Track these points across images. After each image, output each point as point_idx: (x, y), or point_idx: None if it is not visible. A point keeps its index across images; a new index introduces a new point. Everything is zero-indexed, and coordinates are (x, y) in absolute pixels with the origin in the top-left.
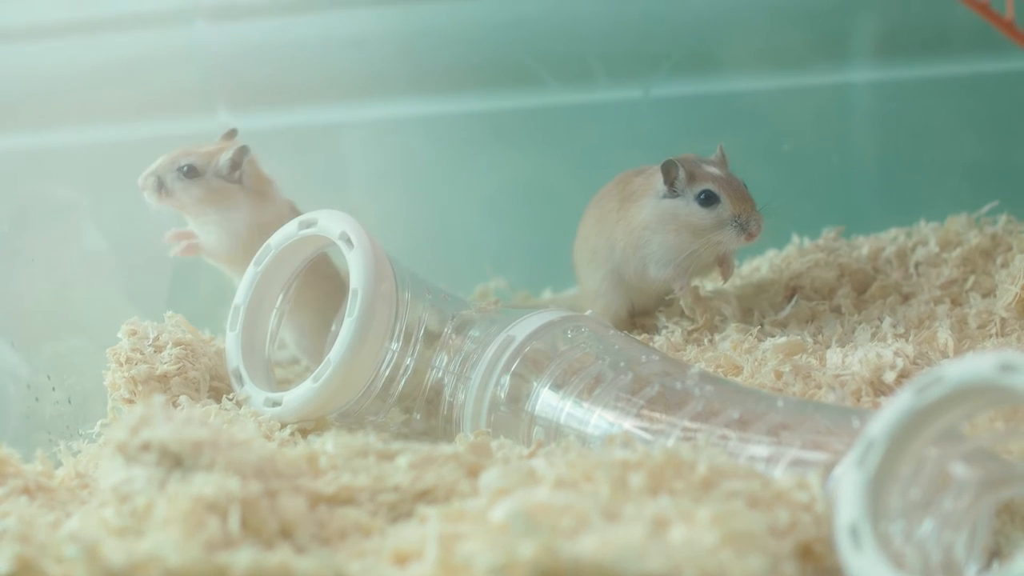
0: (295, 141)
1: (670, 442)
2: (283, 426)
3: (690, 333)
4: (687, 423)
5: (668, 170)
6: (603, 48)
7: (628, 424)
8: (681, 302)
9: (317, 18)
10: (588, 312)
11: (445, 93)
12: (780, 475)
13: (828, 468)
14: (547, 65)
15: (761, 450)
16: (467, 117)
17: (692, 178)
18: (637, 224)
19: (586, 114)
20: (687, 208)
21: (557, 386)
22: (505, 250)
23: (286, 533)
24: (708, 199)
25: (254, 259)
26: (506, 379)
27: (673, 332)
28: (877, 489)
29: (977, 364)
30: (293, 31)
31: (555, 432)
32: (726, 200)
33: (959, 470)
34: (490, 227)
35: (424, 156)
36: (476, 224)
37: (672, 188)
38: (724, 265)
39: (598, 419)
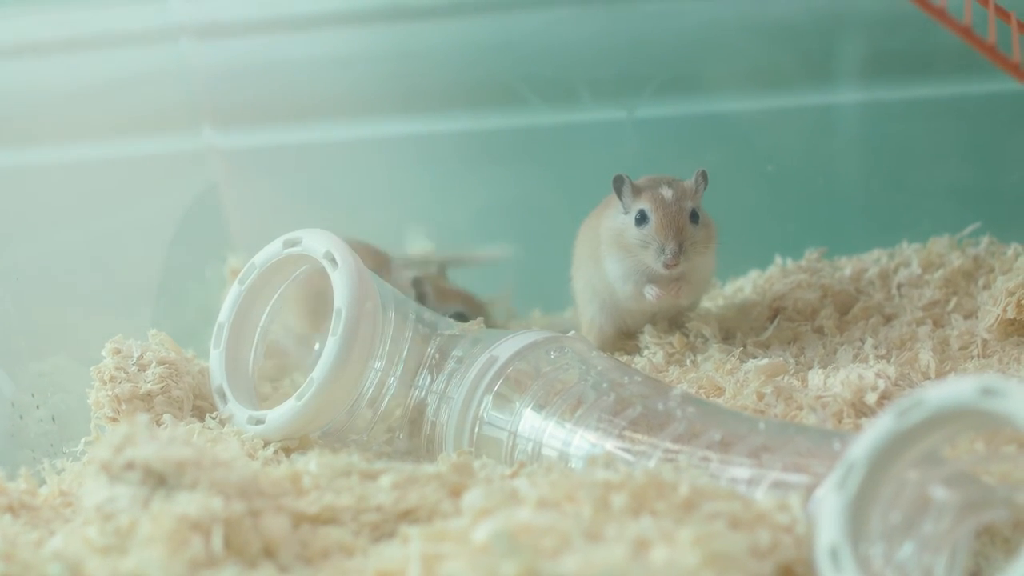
0: (281, 160)
1: (651, 463)
2: (266, 445)
3: (671, 355)
4: (669, 444)
5: (616, 184)
6: (589, 69)
7: (610, 445)
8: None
9: (303, 37)
10: (571, 333)
11: (431, 113)
12: (761, 497)
13: (809, 490)
14: (533, 86)
15: (742, 472)
16: (453, 137)
17: (637, 195)
18: (600, 234)
19: (571, 134)
20: (628, 224)
21: (540, 406)
22: (491, 269)
23: (269, 552)
24: (641, 219)
25: (238, 277)
26: (489, 399)
27: (655, 353)
28: (857, 512)
29: (958, 388)
30: (279, 50)
31: (537, 452)
32: (654, 222)
33: (939, 493)
34: (474, 247)
35: (410, 175)
36: (460, 244)
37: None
38: (674, 284)
39: (580, 440)
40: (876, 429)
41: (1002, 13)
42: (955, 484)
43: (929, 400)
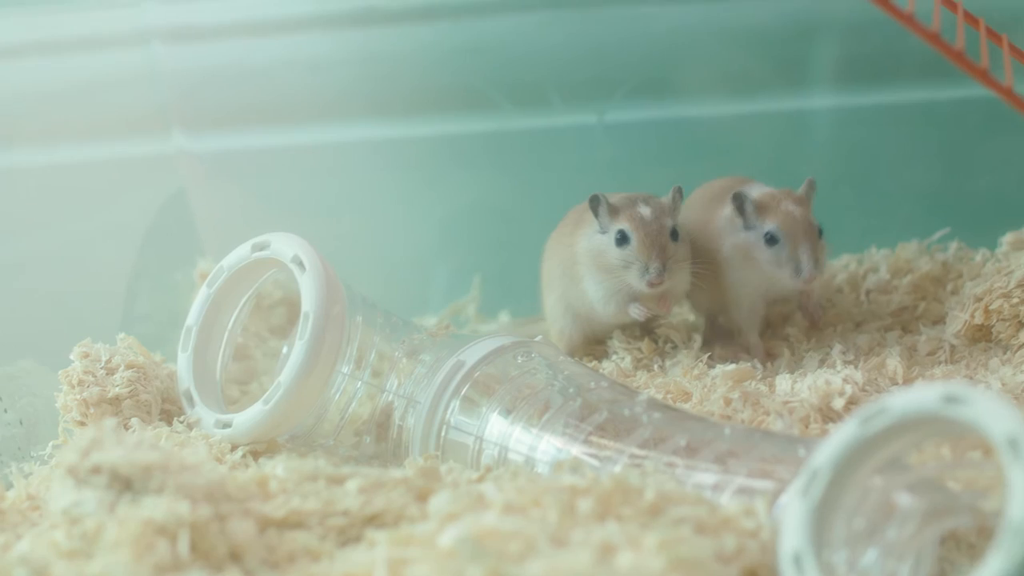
0: (251, 163)
1: (617, 468)
2: (234, 449)
3: (639, 360)
4: (635, 450)
5: (592, 203)
6: (559, 73)
7: (576, 450)
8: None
9: (275, 41)
10: (538, 338)
11: (401, 117)
12: (726, 502)
13: (774, 496)
14: (504, 90)
15: (708, 478)
16: (423, 141)
17: (615, 215)
18: (577, 254)
19: (542, 139)
20: (607, 244)
21: (507, 411)
22: (461, 273)
23: (235, 557)
24: (622, 239)
25: (207, 280)
26: (456, 403)
27: (624, 358)
28: (821, 518)
29: (921, 395)
30: (250, 54)
31: (503, 457)
32: (636, 242)
33: (903, 500)
34: (446, 250)
35: (380, 179)
36: (431, 248)
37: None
38: (662, 300)
39: (547, 445)
40: (840, 436)
41: (970, 19)
42: (919, 491)
43: (893, 407)
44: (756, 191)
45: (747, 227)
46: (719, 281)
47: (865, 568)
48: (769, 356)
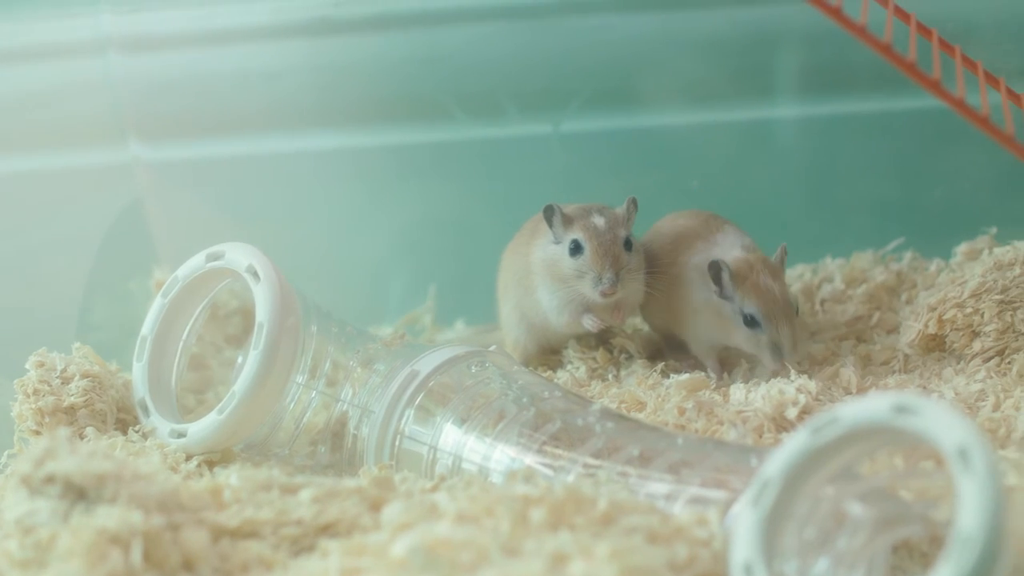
0: (207, 173)
1: (571, 478)
2: (189, 458)
3: (594, 370)
4: (588, 459)
5: (547, 214)
6: (515, 83)
7: (530, 459)
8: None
9: (229, 51)
10: (492, 347)
11: (356, 127)
12: (679, 512)
13: (727, 505)
14: (459, 100)
15: (660, 487)
16: (379, 151)
17: (569, 225)
18: (532, 264)
19: (496, 149)
20: (561, 254)
21: (461, 420)
22: (417, 283)
23: (188, 566)
24: (575, 249)
25: (162, 290)
26: (410, 412)
27: (578, 368)
28: (772, 528)
29: (872, 405)
30: (206, 63)
31: (457, 466)
32: (589, 252)
33: (854, 509)
34: (401, 260)
35: (336, 189)
36: (387, 257)
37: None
38: (616, 310)
39: (500, 454)
40: (791, 446)
41: (923, 30)
42: (870, 500)
43: (843, 417)
44: (724, 248)
45: (723, 296)
46: (678, 307)
47: None
48: (724, 366)
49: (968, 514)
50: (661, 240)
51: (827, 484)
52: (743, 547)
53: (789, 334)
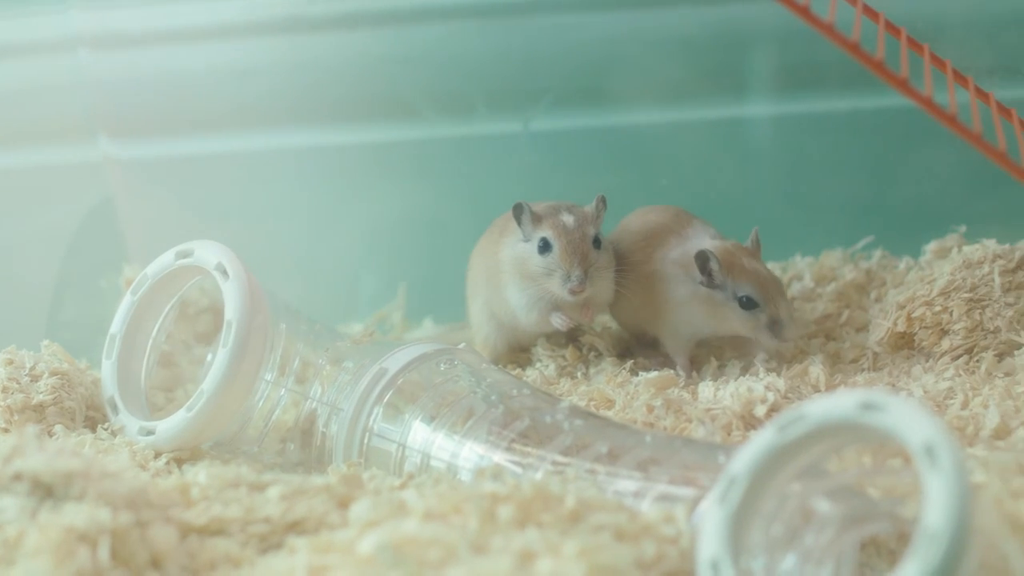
0: (178, 171)
1: (539, 475)
2: (158, 456)
3: (563, 368)
4: (556, 457)
5: (516, 212)
6: (484, 82)
7: (498, 457)
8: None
9: (201, 48)
10: (462, 345)
11: (327, 125)
12: (647, 509)
13: (694, 503)
14: (428, 98)
15: (629, 484)
16: (349, 149)
17: (538, 223)
18: (501, 262)
19: (466, 147)
20: (530, 252)
21: (430, 418)
22: (386, 281)
23: (156, 564)
24: (544, 247)
25: (131, 288)
26: (379, 410)
27: (547, 366)
28: (738, 525)
29: (838, 403)
30: (177, 61)
31: (426, 464)
32: (558, 250)
33: (821, 506)
34: (371, 258)
35: (307, 187)
36: (357, 255)
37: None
38: (584, 308)
39: (469, 451)
40: (757, 443)
41: (892, 29)
42: (838, 497)
43: (810, 414)
44: (698, 240)
45: (712, 285)
46: (656, 304)
47: (783, 574)
48: (693, 364)
49: (934, 510)
50: (632, 237)
51: (794, 481)
52: (710, 544)
53: (787, 309)
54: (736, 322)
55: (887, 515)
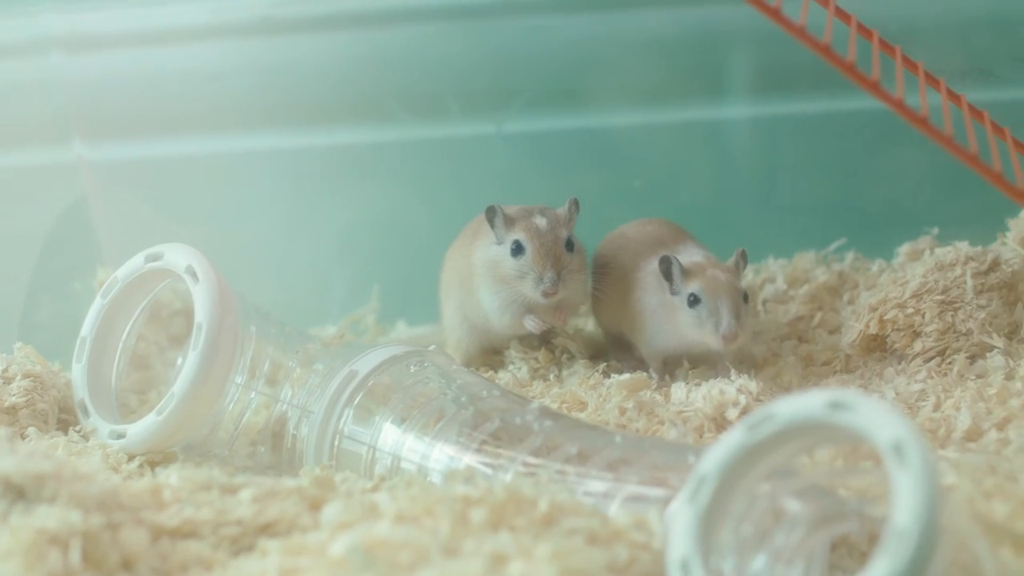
0: (151, 173)
1: (509, 476)
2: (131, 458)
3: (536, 370)
4: (527, 458)
5: (489, 215)
6: (457, 83)
7: (468, 458)
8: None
9: (174, 50)
10: (431, 347)
11: (300, 127)
12: (616, 510)
13: (664, 503)
14: (401, 100)
15: (598, 485)
16: (322, 151)
17: (511, 225)
18: (474, 264)
19: (440, 149)
20: (503, 255)
21: (400, 420)
22: (360, 283)
23: (128, 566)
24: (517, 249)
25: (101, 291)
26: (349, 412)
27: (520, 368)
28: (708, 524)
29: (808, 402)
30: (150, 62)
31: (396, 466)
32: (530, 253)
33: (791, 506)
34: (344, 260)
35: (280, 189)
36: (330, 258)
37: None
38: (558, 311)
39: (439, 453)
40: (727, 443)
41: (864, 31)
42: (807, 497)
43: (779, 414)
44: (685, 256)
45: (673, 292)
46: (634, 310)
47: (753, 574)
48: (666, 369)
49: (903, 509)
50: (625, 243)
51: (764, 481)
52: (680, 543)
53: (730, 306)
54: (684, 323)
55: (857, 515)
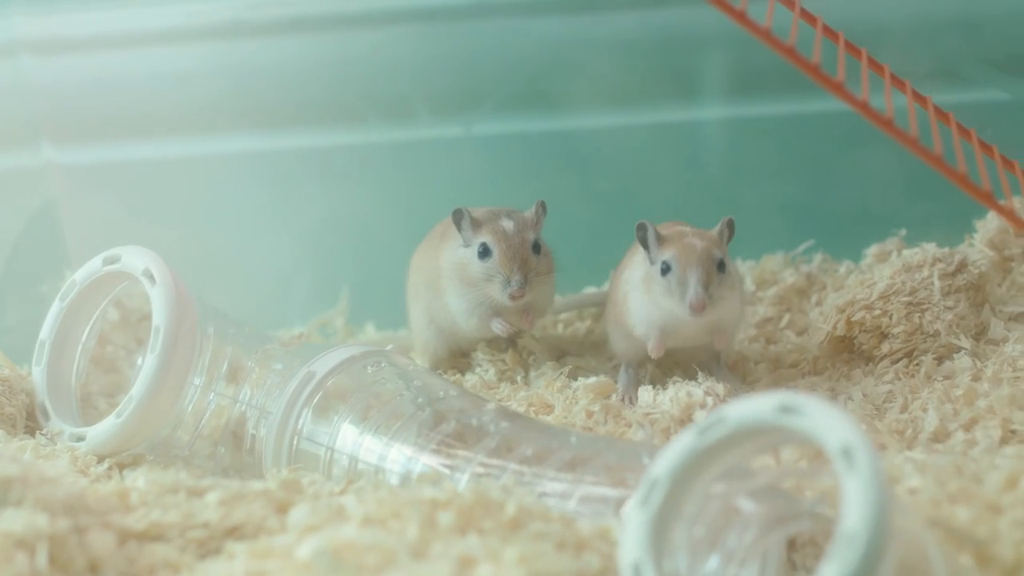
0: (120, 176)
1: (465, 477)
2: (101, 461)
3: (503, 372)
4: (483, 458)
5: (456, 217)
6: (426, 86)
7: (426, 459)
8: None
9: (142, 53)
10: (389, 347)
11: (270, 129)
12: (572, 510)
13: (619, 504)
14: (370, 102)
15: (554, 485)
16: (292, 153)
17: (478, 228)
18: (441, 267)
19: (408, 151)
20: (470, 257)
21: (358, 420)
22: (328, 286)
23: (94, 569)
24: (484, 252)
25: (60, 294)
26: (307, 413)
27: (487, 370)
28: (660, 527)
29: (757, 405)
30: (118, 66)
31: (355, 466)
32: (497, 255)
33: (744, 506)
34: (313, 263)
35: (249, 192)
36: (299, 260)
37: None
38: (525, 314)
39: (397, 453)
40: (678, 446)
41: (830, 33)
42: (760, 497)
43: (729, 417)
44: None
45: (651, 261)
46: (619, 293)
47: (707, 575)
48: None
49: (852, 513)
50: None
51: (717, 482)
52: (632, 547)
53: (699, 276)
54: (658, 292)
55: (810, 514)
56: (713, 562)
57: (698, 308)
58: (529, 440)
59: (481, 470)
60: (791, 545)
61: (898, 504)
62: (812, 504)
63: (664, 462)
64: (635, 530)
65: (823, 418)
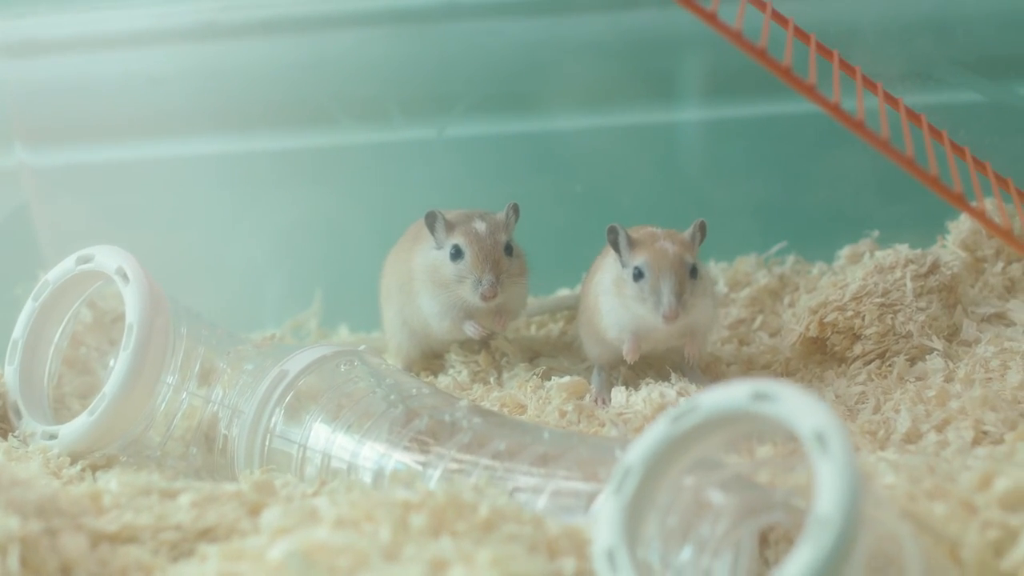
0: (93, 178)
1: (438, 473)
2: (74, 463)
3: (476, 373)
4: (456, 454)
5: (428, 220)
6: (399, 88)
7: (398, 456)
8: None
9: (115, 55)
10: (362, 347)
11: (242, 132)
12: (544, 504)
13: (591, 498)
14: (342, 104)
15: (526, 480)
16: (264, 155)
17: (451, 230)
18: (413, 269)
19: (381, 153)
20: (443, 259)
21: (330, 419)
22: (301, 287)
23: (67, 572)
24: (456, 254)
25: (32, 294)
26: (279, 412)
27: (460, 372)
28: (634, 515)
29: (730, 393)
30: (91, 68)
31: (327, 464)
32: (469, 256)
33: (716, 497)
34: (286, 265)
35: (222, 194)
36: (272, 262)
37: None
38: (498, 316)
39: (369, 451)
40: (651, 434)
41: (801, 35)
42: (732, 488)
43: (702, 405)
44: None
45: (623, 264)
46: (590, 296)
47: (680, 565)
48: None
49: (825, 496)
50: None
51: (689, 472)
52: (606, 533)
53: (672, 284)
54: (630, 296)
55: (782, 505)
56: (686, 552)
57: (672, 317)
58: (502, 435)
59: (454, 465)
60: (763, 541)
61: (873, 494)
62: (785, 495)
63: (637, 450)
64: (609, 517)
65: (796, 404)
